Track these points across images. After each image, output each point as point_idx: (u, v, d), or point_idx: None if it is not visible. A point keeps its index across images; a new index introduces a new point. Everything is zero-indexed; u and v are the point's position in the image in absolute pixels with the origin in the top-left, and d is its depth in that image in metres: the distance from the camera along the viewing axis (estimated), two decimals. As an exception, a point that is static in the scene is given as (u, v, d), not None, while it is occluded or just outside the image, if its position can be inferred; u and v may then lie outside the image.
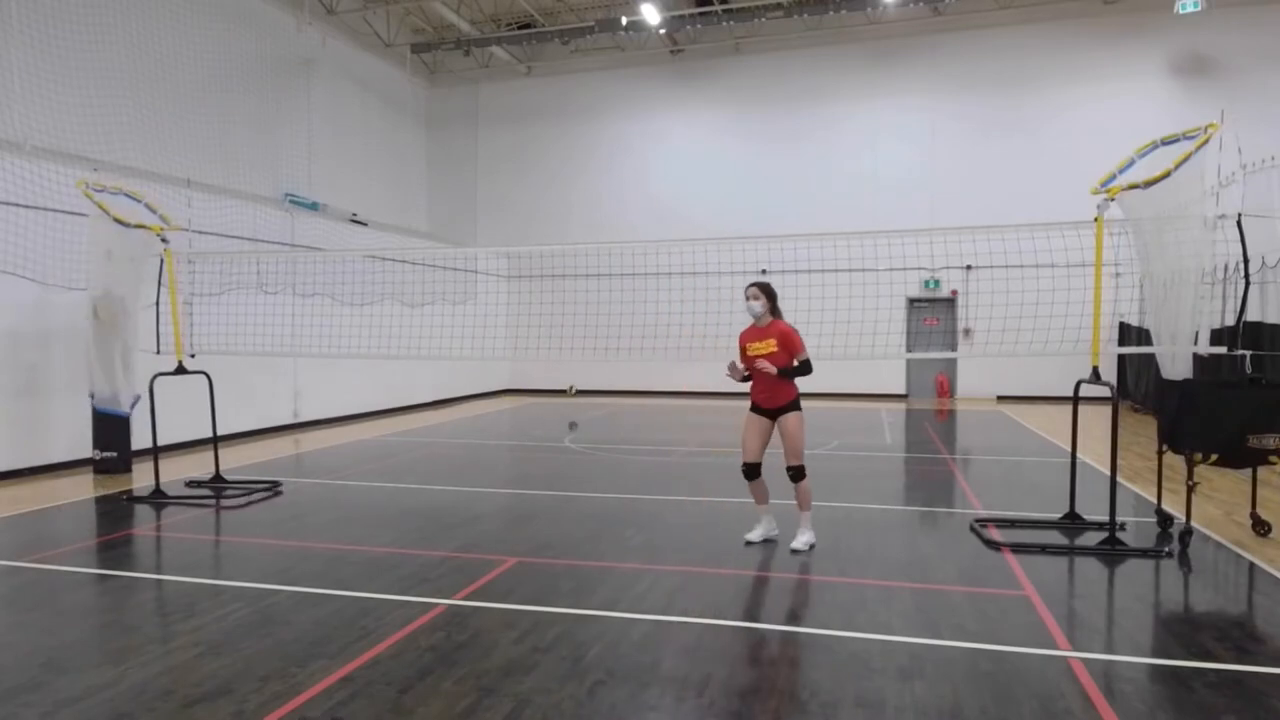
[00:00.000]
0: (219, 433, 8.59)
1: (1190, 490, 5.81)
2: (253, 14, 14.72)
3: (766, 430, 5.94)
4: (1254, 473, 6.25)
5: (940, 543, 6.18)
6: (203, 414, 8.38)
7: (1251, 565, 5.55)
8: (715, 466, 9.78)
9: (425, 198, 21.54)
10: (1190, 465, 5.78)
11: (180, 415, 8.29)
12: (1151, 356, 7.44)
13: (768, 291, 5.91)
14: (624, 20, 17.65)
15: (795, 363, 5.75)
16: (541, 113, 21.13)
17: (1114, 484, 6.06)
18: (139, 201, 8.15)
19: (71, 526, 7.09)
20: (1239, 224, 5.99)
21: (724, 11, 17.63)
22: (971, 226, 8.04)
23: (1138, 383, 15.16)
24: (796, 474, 5.84)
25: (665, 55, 20.16)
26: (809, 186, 19.00)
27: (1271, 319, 10.75)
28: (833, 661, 3.93)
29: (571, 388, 19.08)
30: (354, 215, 16.69)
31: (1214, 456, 5.71)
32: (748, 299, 5.89)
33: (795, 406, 5.84)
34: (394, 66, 19.69)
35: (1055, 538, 6.25)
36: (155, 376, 7.92)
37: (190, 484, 8.42)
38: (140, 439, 9.13)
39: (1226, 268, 10.17)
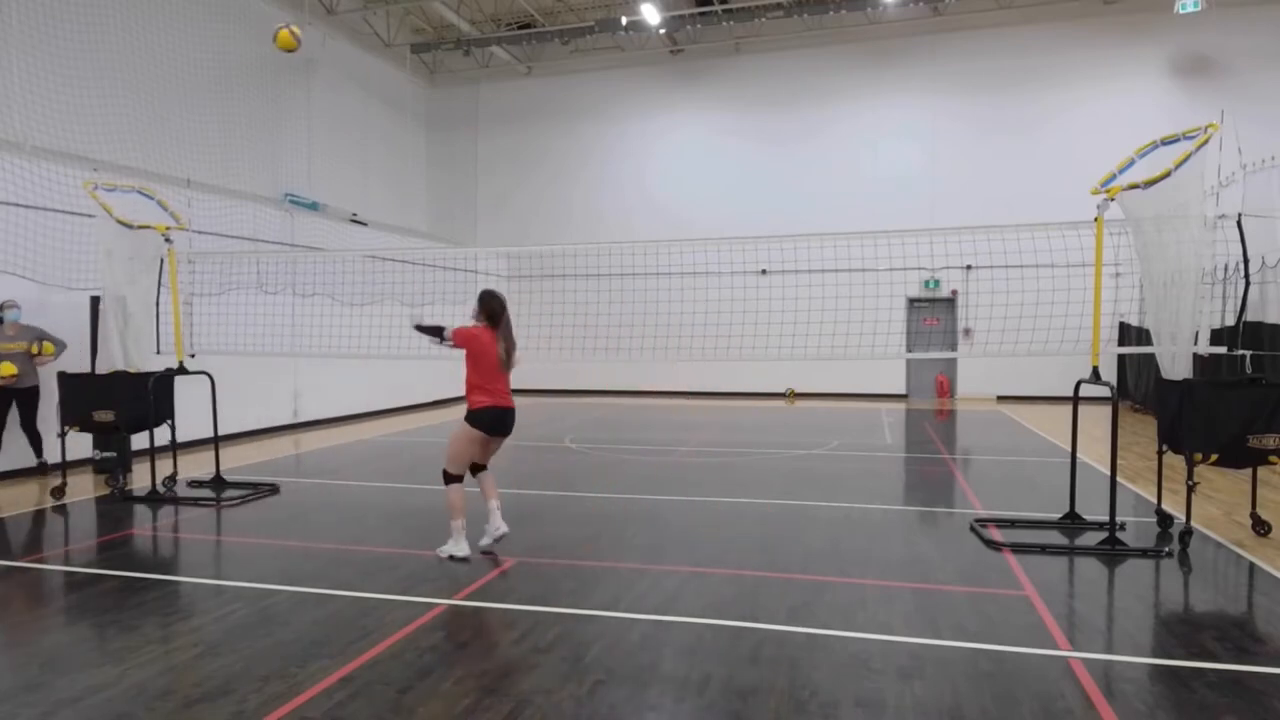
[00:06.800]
0: (219, 433, 8.60)
1: (1190, 490, 5.81)
2: (253, 14, 14.72)
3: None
4: (1254, 473, 6.26)
5: (940, 543, 6.18)
6: (203, 414, 8.37)
7: (1251, 565, 5.56)
8: (715, 466, 9.78)
9: (425, 198, 21.56)
10: (1190, 465, 5.77)
11: (180, 415, 8.29)
12: (1151, 356, 7.44)
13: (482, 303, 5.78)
14: (624, 20, 17.66)
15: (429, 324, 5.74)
16: (541, 113, 21.13)
17: (1114, 484, 6.06)
18: (151, 198, 8.13)
19: (71, 526, 7.08)
20: (1239, 224, 5.99)
21: (724, 11, 17.64)
22: (971, 226, 8.03)
23: (1138, 383, 15.15)
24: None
25: (665, 55, 20.16)
26: (809, 186, 19.00)
27: (1271, 319, 10.76)
28: (833, 661, 3.93)
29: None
30: (354, 215, 16.71)
31: (1214, 456, 5.71)
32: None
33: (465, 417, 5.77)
34: (394, 66, 19.70)
35: (1055, 538, 6.25)
36: (154, 377, 7.92)
37: (192, 484, 8.42)
38: (140, 439, 9.11)
39: (1226, 268, 10.16)
